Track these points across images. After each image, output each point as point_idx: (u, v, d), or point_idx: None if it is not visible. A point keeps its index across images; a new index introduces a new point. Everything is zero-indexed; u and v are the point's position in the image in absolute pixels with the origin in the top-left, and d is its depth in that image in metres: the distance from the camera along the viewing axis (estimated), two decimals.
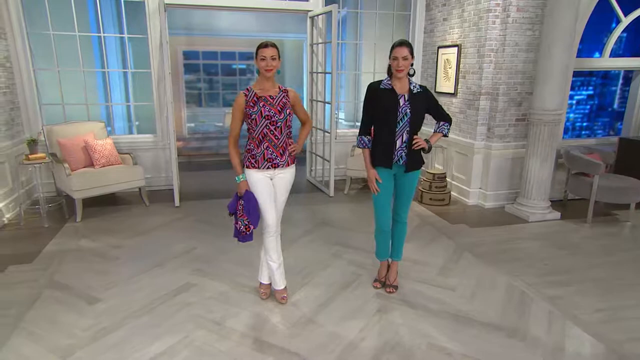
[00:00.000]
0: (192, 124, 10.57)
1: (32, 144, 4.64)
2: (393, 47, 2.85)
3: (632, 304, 3.17)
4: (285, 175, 2.92)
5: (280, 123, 2.78)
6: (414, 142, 2.94)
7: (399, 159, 2.97)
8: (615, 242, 4.33)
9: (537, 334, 2.79)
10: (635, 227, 4.76)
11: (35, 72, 5.22)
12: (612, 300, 3.23)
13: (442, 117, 3.10)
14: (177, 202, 5.18)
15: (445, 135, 3.13)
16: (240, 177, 2.81)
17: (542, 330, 2.82)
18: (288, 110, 2.82)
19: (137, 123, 6.74)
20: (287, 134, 2.85)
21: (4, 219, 4.55)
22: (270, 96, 2.78)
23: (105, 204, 5.20)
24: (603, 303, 3.18)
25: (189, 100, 10.43)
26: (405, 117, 2.90)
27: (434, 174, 5.35)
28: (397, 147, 2.95)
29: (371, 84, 3.04)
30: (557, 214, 4.92)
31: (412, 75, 2.96)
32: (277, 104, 2.78)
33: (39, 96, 5.31)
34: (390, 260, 3.36)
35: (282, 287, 3.11)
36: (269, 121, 2.75)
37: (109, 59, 6.18)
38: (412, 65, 2.88)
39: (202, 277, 3.47)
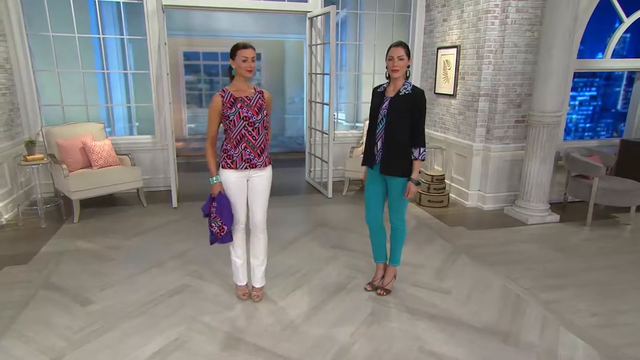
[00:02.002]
0: (193, 125, 10.59)
1: (30, 145, 4.66)
2: (389, 48, 2.93)
3: (631, 308, 3.14)
4: (263, 174, 2.93)
5: (257, 124, 2.80)
6: (407, 192, 2.99)
7: (379, 160, 3.04)
8: (615, 245, 4.29)
9: (532, 338, 2.76)
10: (636, 230, 4.71)
11: (34, 73, 5.24)
12: (610, 304, 3.19)
13: (417, 136, 2.93)
14: (174, 204, 5.18)
15: (422, 160, 3.01)
16: (214, 179, 2.86)
17: (537, 335, 2.79)
18: (265, 112, 2.83)
19: (137, 124, 6.74)
20: (264, 135, 2.87)
21: (2, 219, 4.57)
22: (247, 97, 2.79)
23: (103, 204, 5.21)
24: (601, 307, 3.14)
25: (189, 101, 10.45)
26: (384, 119, 2.96)
27: (432, 176, 5.33)
28: (378, 148, 3.03)
29: (374, 87, 3.17)
30: (557, 217, 4.88)
31: (408, 77, 2.97)
32: (254, 105, 2.79)
33: (39, 97, 5.33)
34: (387, 264, 3.35)
35: (259, 285, 3.16)
36: (246, 122, 2.76)
37: (109, 60, 6.19)
38: (408, 67, 2.94)
39: (197, 278, 3.47)
